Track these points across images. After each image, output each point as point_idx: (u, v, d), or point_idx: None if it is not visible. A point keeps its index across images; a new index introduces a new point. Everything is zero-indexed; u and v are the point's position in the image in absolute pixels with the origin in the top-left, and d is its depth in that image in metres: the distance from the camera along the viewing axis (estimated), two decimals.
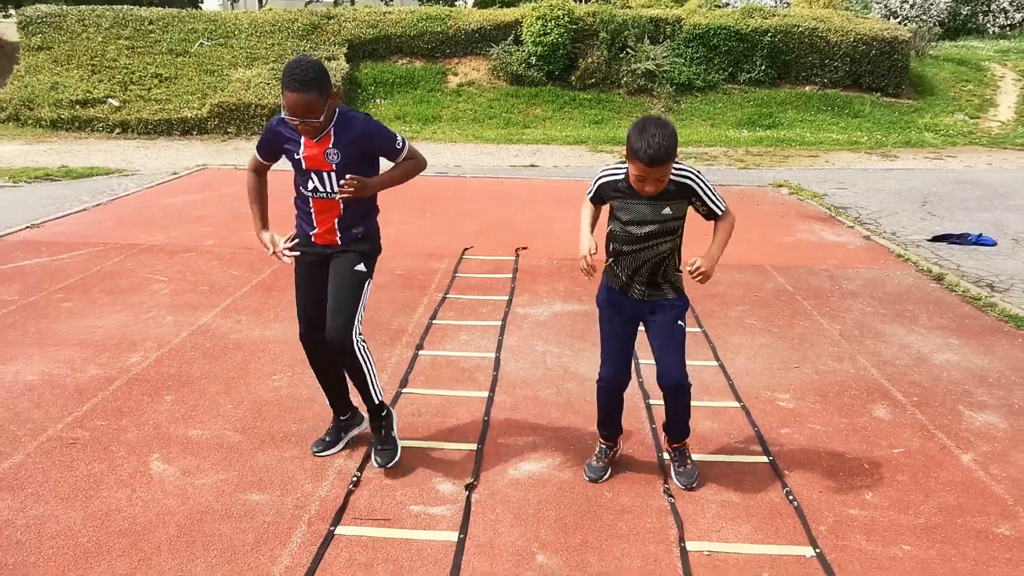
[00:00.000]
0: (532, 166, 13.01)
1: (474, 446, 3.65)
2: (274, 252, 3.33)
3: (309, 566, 2.77)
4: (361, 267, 3.26)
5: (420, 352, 4.81)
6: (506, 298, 5.90)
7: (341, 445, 3.57)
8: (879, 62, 19.51)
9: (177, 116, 16.32)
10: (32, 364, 4.51)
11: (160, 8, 22.25)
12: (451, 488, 3.30)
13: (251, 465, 3.43)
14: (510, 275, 6.50)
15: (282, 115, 3.08)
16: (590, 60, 19.30)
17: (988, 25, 28.11)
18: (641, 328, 3.24)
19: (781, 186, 11.16)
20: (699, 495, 3.27)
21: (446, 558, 2.83)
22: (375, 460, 3.39)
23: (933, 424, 3.95)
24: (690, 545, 2.91)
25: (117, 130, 16.18)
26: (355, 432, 3.65)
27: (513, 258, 7.01)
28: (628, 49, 19.53)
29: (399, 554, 2.85)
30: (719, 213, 3.06)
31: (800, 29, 19.61)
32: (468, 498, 3.22)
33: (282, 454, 3.53)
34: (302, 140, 3.12)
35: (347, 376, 3.35)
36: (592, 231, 3.19)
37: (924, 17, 26.74)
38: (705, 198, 3.02)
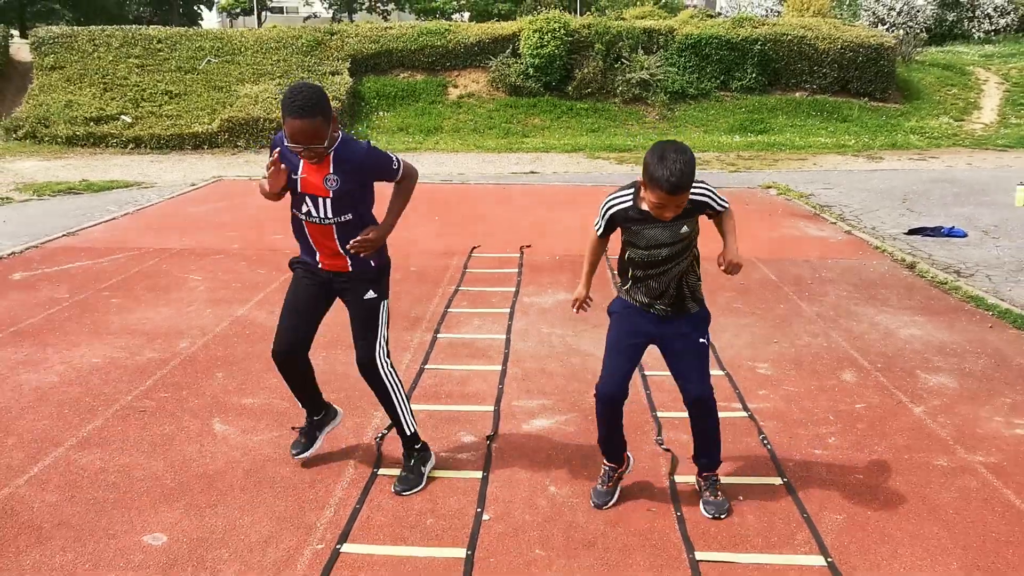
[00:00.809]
0: (532, 172, 13.61)
1: (491, 407, 4.21)
2: (271, 165, 3.11)
3: (359, 497, 3.31)
4: (371, 294, 3.26)
5: (438, 336, 5.37)
6: (513, 289, 6.46)
7: (318, 444, 3.60)
8: (866, 68, 20.16)
9: (188, 131, 16.95)
10: (94, 349, 5.06)
11: (166, 27, 22.90)
12: (474, 439, 3.85)
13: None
14: (516, 270, 7.07)
15: (284, 143, 3.04)
16: (586, 71, 19.95)
17: (973, 31, 28.82)
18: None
19: (770, 187, 11.75)
20: (685, 439, 3.82)
21: (473, 490, 3.38)
22: (394, 485, 3.36)
23: (893, 385, 4.51)
24: (677, 478, 3.45)
25: (131, 145, 16.80)
26: (329, 428, 3.67)
27: (518, 255, 7.58)
28: (623, 59, 20.19)
29: (433, 487, 3.40)
30: (723, 211, 3.05)
31: (789, 37, 20.27)
32: (489, 447, 3.77)
33: (341, 386, 4.08)
34: (300, 161, 3.09)
35: (379, 399, 3.38)
36: (594, 272, 3.27)
37: (911, 24, 27.45)
38: (716, 206, 3.00)
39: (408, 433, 3.38)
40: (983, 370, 4.73)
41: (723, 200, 3.04)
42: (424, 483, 3.38)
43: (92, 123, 17.24)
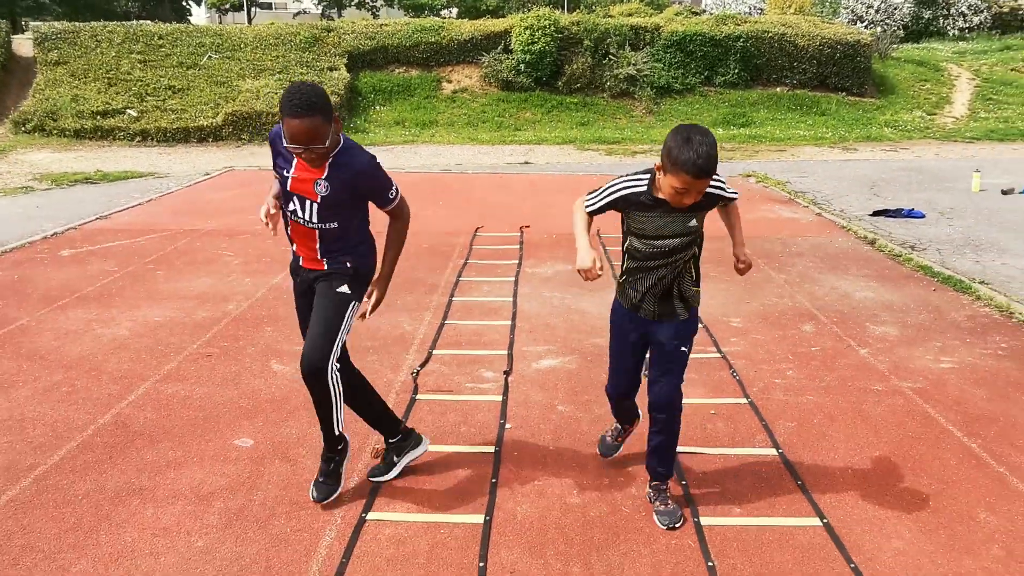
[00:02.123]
0: (526, 163, 14.36)
1: (505, 351, 4.97)
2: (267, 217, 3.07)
3: (403, 416, 4.07)
4: (344, 288, 3.08)
5: (453, 298, 6.12)
6: (516, 262, 7.23)
7: (395, 471, 3.41)
8: (843, 64, 21.03)
9: (194, 125, 17.57)
10: (153, 310, 5.79)
11: (166, 24, 23.45)
12: (494, 374, 4.62)
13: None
14: (518, 246, 7.83)
15: (283, 144, 2.90)
16: (575, 66, 20.71)
17: (948, 28, 29.78)
18: None
19: (749, 176, 12.57)
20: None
21: (495, 409, 4.15)
22: (312, 491, 3.21)
23: (844, 333, 5.31)
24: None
25: (138, 138, 17.40)
26: (410, 457, 3.47)
27: (519, 234, 8.34)
28: (611, 55, 20.96)
29: (463, 407, 4.16)
30: (734, 199, 3.01)
31: (770, 34, 21.10)
32: (506, 380, 4.53)
33: (367, 358, 4.83)
34: (295, 159, 2.95)
35: (314, 404, 3.14)
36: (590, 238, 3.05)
37: (889, 21, 28.33)
38: (727, 196, 2.95)
39: (336, 433, 3.17)
40: (922, 322, 5.54)
41: (732, 190, 2.97)
42: (342, 483, 3.26)
43: (99, 117, 17.82)
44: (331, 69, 20.43)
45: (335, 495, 3.22)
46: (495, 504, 3.24)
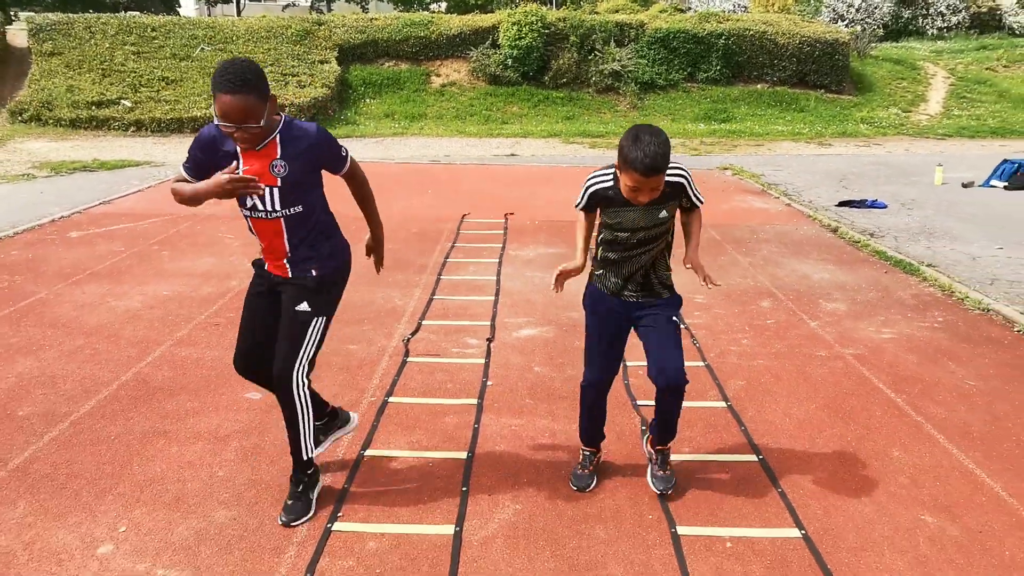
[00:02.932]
0: (512, 155, 14.83)
1: (488, 322, 5.45)
2: (230, 177, 2.71)
3: (394, 377, 4.54)
4: (304, 307, 2.96)
5: (441, 277, 6.59)
6: (500, 245, 7.70)
7: (323, 446, 3.34)
8: (822, 62, 21.60)
9: (187, 115, 17.91)
10: (162, 286, 6.23)
11: (158, 16, 23.73)
12: (477, 341, 5.10)
13: (344, 333, 5.18)
14: (502, 232, 8.31)
15: (217, 119, 2.71)
16: (561, 62, 21.17)
17: (927, 27, 30.43)
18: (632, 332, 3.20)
19: (726, 169, 13.09)
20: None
21: (478, 370, 4.62)
22: (281, 516, 3.04)
23: (799, 309, 5.82)
24: (632, 363, 4.72)
25: (132, 128, 17.73)
26: (339, 434, 3.46)
27: (503, 220, 8.81)
28: (596, 51, 21.43)
29: (449, 368, 4.63)
30: (698, 206, 3.07)
31: (751, 32, 21.64)
32: (488, 346, 5.01)
33: (362, 327, 5.29)
34: (239, 152, 2.80)
35: (284, 418, 3.06)
36: (588, 243, 3.18)
37: (869, 20, 28.94)
38: (692, 195, 2.99)
39: (305, 458, 3.08)
40: (870, 300, 6.07)
41: (699, 195, 3.04)
42: (313, 510, 3.10)
43: (94, 107, 18.13)
44: (322, 62, 20.81)
45: (305, 519, 3.04)
46: (476, 443, 3.72)
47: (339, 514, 3.12)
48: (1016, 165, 10.72)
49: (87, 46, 20.69)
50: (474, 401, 4.18)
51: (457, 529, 3.03)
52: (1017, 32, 29.70)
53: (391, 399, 4.20)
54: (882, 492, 3.32)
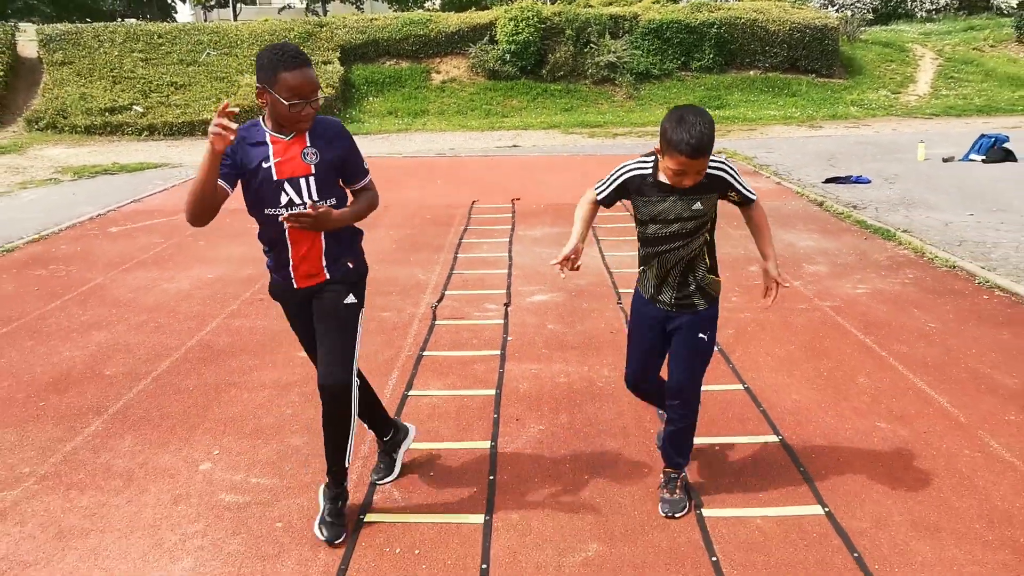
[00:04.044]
0: (514, 146, 15.45)
1: (504, 291, 6.08)
2: (218, 124, 2.49)
3: (426, 336, 5.16)
4: (351, 299, 2.91)
5: (458, 255, 7.21)
6: (509, 227, 8.32)
7: (397, 469, 3.35)
8: (812, 47, 22.17)
9: (198, 118, 18.53)
10: (204, 270, 6.86)
11: (164, 23, 24.32)
12: (495, 306, 5.72)
13: (376, 303, 5.81)
14: (510, 215, 8.93)
15: (267, 111, 2.71)
16: (558, 55, 21.76)
17: (916, 10, 30.97)
18: None
19: (719, 153, 13.69)
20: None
21: (499, 329, 5.24)
22: (321, 531, 2.94)
23: (786, 271, 6.43)
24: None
25: (145, 133, 18.36)
26: (405, 447, 3.42)
27: (510, 205, 9.44)
28: (592, 44, 22.02)
29: (473, 328, 5.26)
30: (754, 199, 2.95)
31: (743, 20, 22.21)
32: (506, 310, 5.63)
33: (390, 298, 5.92)
34: (269, 141, 2.73)
35: (326, 427, 2.93)
36: (587, 228, 3.01)
37: (859, 5, 29.52)
38: (739, 187, 2.88)
39: (346, 465, 3.00)
40: (849, 262, 6.68)
41: (749, 188, 2.92)
42: (346, 526, 3.02)
43: (107, 113, 18.77)
44: (325, 63, 21.41)
45: (344, 536, 2.96)
46: (503, 383, 4.34)
47: None
48: (992, 139, 11.32)
49: (96, 54, 21.32)
50: (497, 352, 4.81)
51: (492, 444, 3.65)
52: (1005, 12, 30.19)
53: (425, 353, 4.83)
54: (846, 407, 3.95)
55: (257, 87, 2.71)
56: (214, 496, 3.28)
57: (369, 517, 3.11)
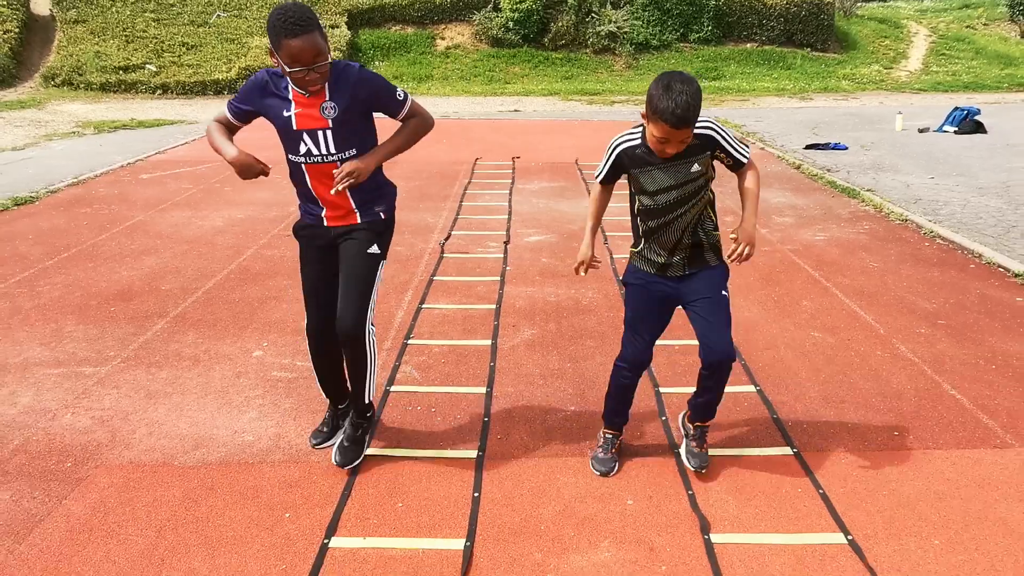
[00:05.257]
0: (515, 111, 16.10)
1: (503, 231, 6.83)
2: (259, 166, 2.91)
3: (435, 265, 5.92)
4: (375, 248, 2.97)
5: (463, 203, 7.96)
6: (510, 181, 9.06)
7: (339, 435, 3.30)
8: (808, 21, 22.72)
9: (210, 78, 19.12)
10: (233, 211, 7.60)
11: None
12: (496, 244, 6.48)
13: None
14: (511, 171, 9.66)
15: (280, 69, 2.75)
16: (560, 24, 22.30)
17: None
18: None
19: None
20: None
21: (498, 261, 6.01)
22: (335, 455, 3.14)
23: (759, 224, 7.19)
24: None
25: (158, 91, 18.94)
26: (359, 436, 3.29)
27: (511, 162, 10.16)
28: (593, 14, 22.54)
29: (477, 260, 6.02)
30: (744, 161, 2.86)
31: None
32: (505, 247, 6.39)
33: (404, 236, 6.67)
34: (291, 97, 2.80)
35: (346, 367, 3.10)
36: (598, 226, 3.09)
37: None
38: (729, 147, 2.80)
39: (366, 402, 3.15)
40: (814, 216, 7.44)
41: (741, 147, 2.86)
42: (362, 457, 3.20)
43: (121, 71, 19.33)
44: (333, 27, 21.91)
45: (358, 461, 3.16)
46: (502, 300, 5.12)
47: (411, 335, 4.53)
48: (965, 112, 12.02)
49: (109, 14, 21.81)
50: (497, 279, 5.59)
51: (493, 341, 4.44)
52: None
53: (435, 278, 5.60)
54: (788, 321, 4.74)
55: (268, 48, 2.78)
56: (268, 373, 4.07)
57: (394, 388, 3.90)
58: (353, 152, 2.85)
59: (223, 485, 3.08)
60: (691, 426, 3.22)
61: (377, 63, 21.73)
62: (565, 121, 14.21)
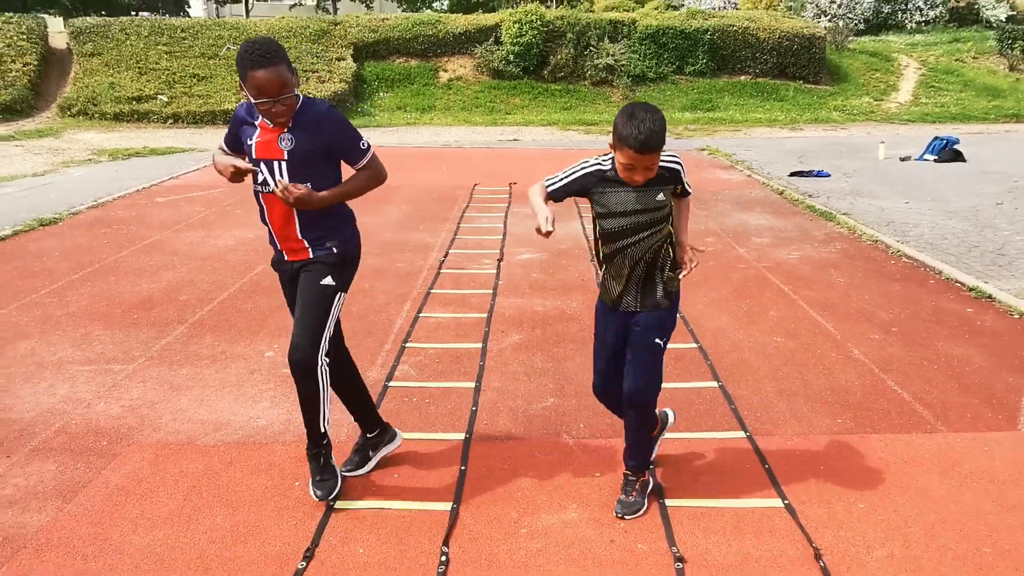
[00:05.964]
0: (515, 140, 16.68)
1: (498, 250, 7.30)
2: (242, 168, 2.92)
3: (433, 279, 6.38)
4: (329, 280, 2.99)
5: (461, 224, 8.44)
6: (506, 205, 9.55)
7: (370, 465, 3.37)
8: (800, 55, 23.40)
9: (220, 108, 19.76)
10: (245, 232, 8.08)
11: (187, 18, 25.55)
12: (490, 261, 6.94)
13: (392, 257, 7.02)
14: (507, 195, 10.16)
15: (249, 102, 2.85)
16: (559, 57, 23.00)
17: (906, 21, 32.15)
18: None
19: (703, 149, 14.92)
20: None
21: (491, 276, 6.46)
22: (315, 492, 3.13)
23: (734, 242, 7.66)
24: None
25: (170, 121, 19.59)
26: (385, 452, 3.44)
27: (508, 188, 10.67)
28: (591, 47, 23.25)
29: (472, 276, 6.47)
30: (689, 192, 3.01)
31: (735, 28, 23.44)
32: (499, 264, 6.85)
33: (404, 254, 7.14)
34: (258, 125, 2.89)
35: (299, 398, 3.06)
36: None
37: (850, 16, 30.70)
38: (685, 181, 2.94)
39: (321, 431, 3.12)
40: (791, 237, 7.90)
41: (689, 184, 2.99)
42: (341, 477, 3.24)
43: (134, 102, 20.02)
44: (339, 59, 22.66)
45: (338, 489, 3.18)
46: (493, 310, 5.57)
47: (409, 339, 4.97)
48: (944, 141, 12.53)
49: (123, 47, 22.57)
50: (490, 291, 6.04)
51: (483, 344, 4.88)
52: (993, 25, 31.37)
53: (432, 291, 6.05)
54: (754, 328, 5.18)
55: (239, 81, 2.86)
56: (279, 370, 4.51)
57: (393, 383, 4.33)
58: (309, 186, 2.88)
59: (240, 460, 3.51)
60: (622, 476, 3.20)
61: (382, 94, 22.42)
62: (563, 150, 14.76)
